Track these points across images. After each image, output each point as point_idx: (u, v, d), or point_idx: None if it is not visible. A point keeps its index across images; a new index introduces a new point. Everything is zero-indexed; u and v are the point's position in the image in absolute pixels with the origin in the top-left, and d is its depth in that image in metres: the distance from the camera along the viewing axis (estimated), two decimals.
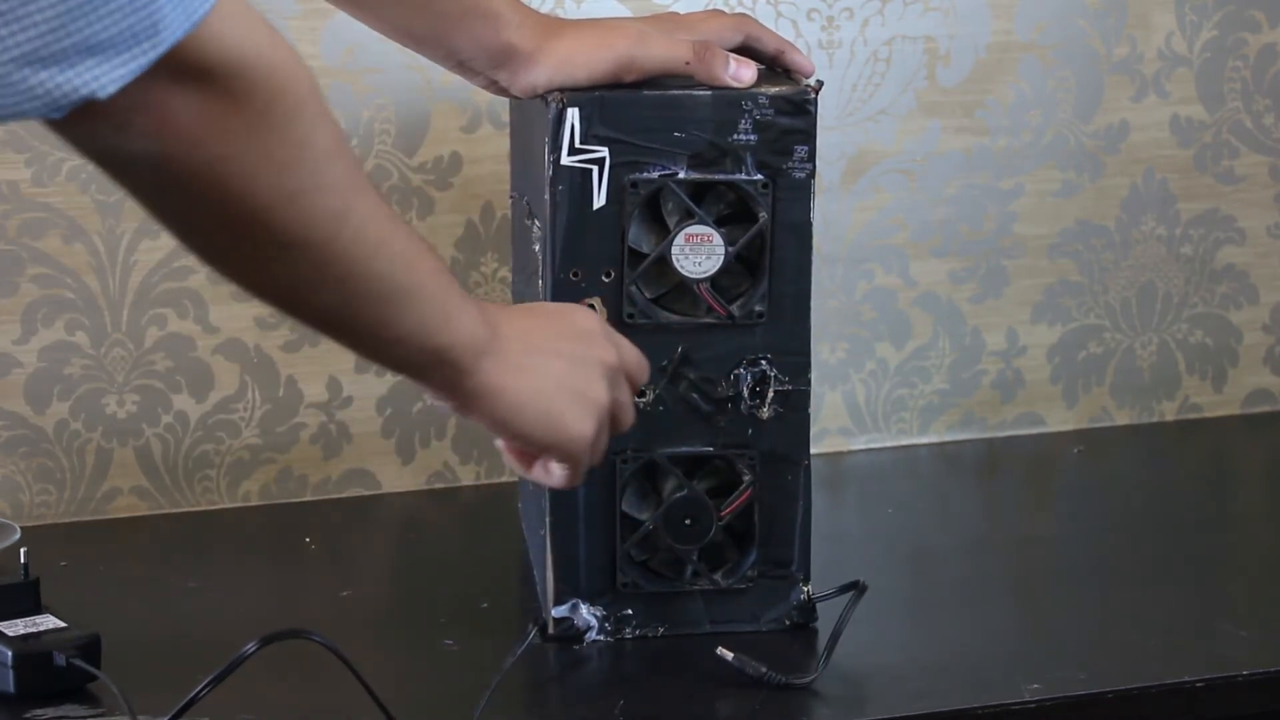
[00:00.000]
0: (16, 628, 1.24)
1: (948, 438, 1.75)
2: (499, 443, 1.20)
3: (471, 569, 1.46)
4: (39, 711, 1.22)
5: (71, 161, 1.51)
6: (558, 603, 1.32)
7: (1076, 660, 1.30)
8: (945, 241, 1.72)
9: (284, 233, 1.00)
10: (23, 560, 1.28)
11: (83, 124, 0.91)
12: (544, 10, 1.56)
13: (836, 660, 1.27)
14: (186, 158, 0.94)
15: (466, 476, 1.64)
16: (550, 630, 1.32)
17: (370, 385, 1.61)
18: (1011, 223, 1.74)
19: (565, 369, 1.16)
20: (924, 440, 1.75)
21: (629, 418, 1.21)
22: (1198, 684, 1.28)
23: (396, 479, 1.63)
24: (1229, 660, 1.30)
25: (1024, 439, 1.77)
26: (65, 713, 1.22)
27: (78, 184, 1.52)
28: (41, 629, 1.24)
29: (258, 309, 1.57)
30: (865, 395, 1.73)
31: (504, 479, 1.64)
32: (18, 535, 1.47)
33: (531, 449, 1.18)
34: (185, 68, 0.91)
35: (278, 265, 1.02)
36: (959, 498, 1.67)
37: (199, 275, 1.55)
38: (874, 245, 1.71)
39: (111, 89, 0.89)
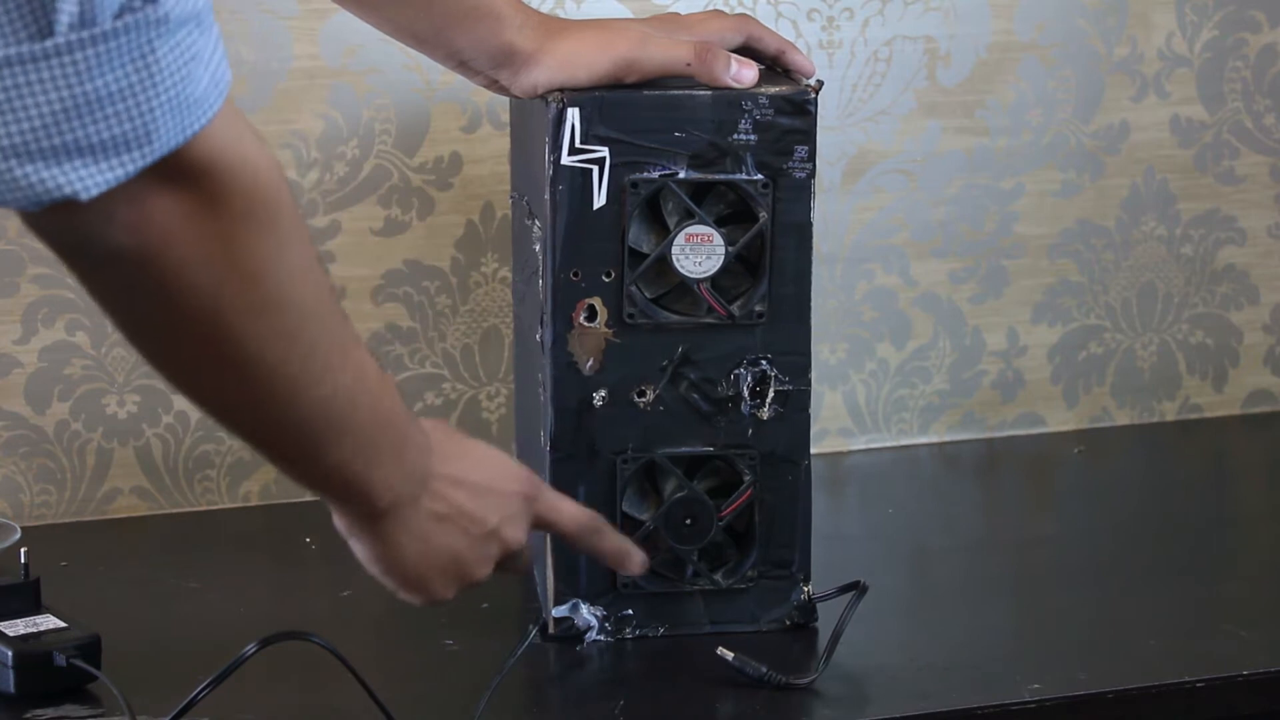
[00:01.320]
0: (17, 628, 1.24)
1: (948, 438, 1.75)
2: None
3: None
4: (39, 712, 1.22)
5: None
6: (558, 603, 1.32)
7: (1076, 660, 1.30)
8: (945, 241, 1.72)
9: (239, 347, 0.98)
10: (23, 560, 1.28)
11: (59, 218, 0.90)
12: (544, 10, 1.56)
13: (837, 660, 1.27)
14: (160, 257, 0.93)
15: None
16: (550, 630, 1.32)
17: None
18: (1012, 223, 1.74)
19: (462, 548, 1.16)
20: (924, 440, 1.75)
21: (520, 567, 1.21)
22: (1198, 684, 1.28)
23: None
24: (1229, 660, 1.30)
25: (1024, 439, 1.77)
26: (65, 713, 1.22)
27: None
28: (42, 629, 1.24)
29: None
30: (865, 395, 1.73)
31: None
32: (18, 535, 1.47)
33: (389, 587, 1.19)
34: (172, 169, 0.91)
35: (225, 379, 1.00)
36: (959, 498, 1.67)
37: None
38: (874, 245, 1.71)
39: (94, 191, 0.89)
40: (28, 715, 1.22)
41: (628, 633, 1.32)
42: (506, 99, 1.49)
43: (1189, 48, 1.75)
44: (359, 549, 1.16)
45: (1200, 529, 1.56)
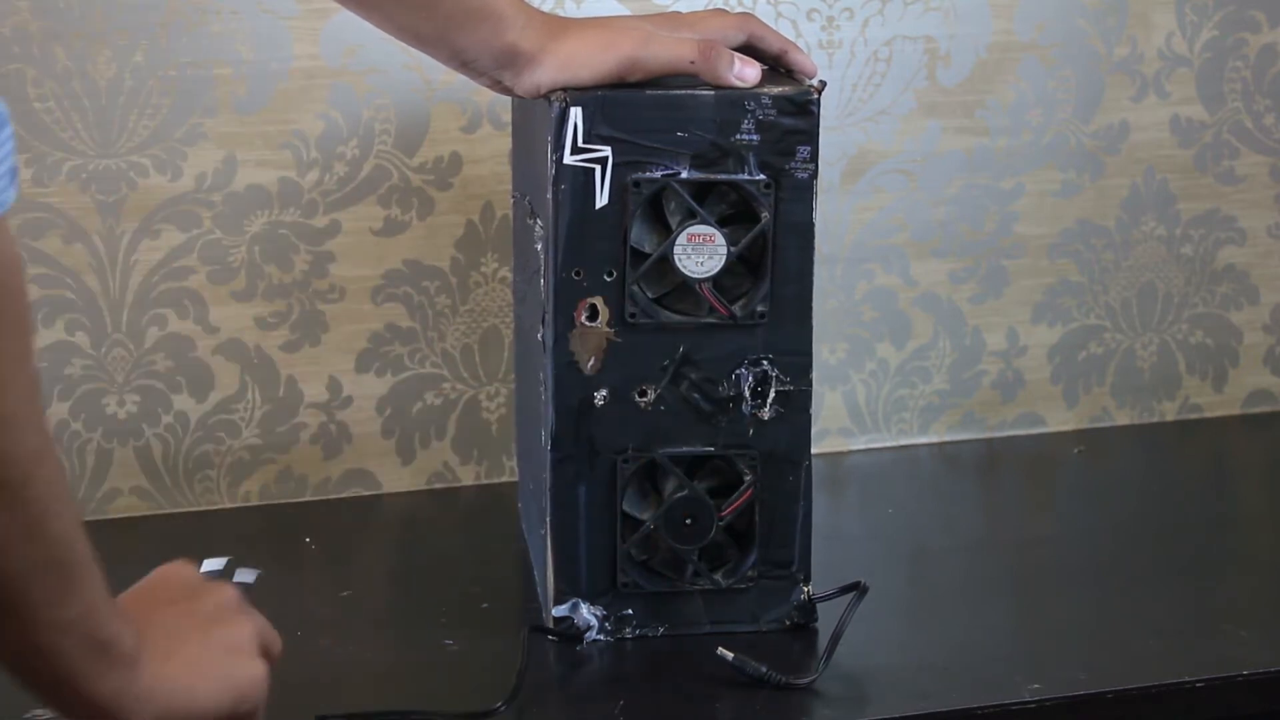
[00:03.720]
0: None
1: (948, 438, 1.75)
2: None
3: (471, 569, 1.46)
4: (39, 712, 1.22)
5: (72, 161, 1.51)
6: (558, 602, 1.32)
7: (1076, 660, 1.30)
8: (945, 241, 1.72)
9: None
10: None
11: None
12: (545, 10, 1.56)
13: (837, 660, 1.27)
14: None
15: (466, 476, 1.64)
16: (550, 630, 1.32)
17: (370, 385, 1.61)
18: (1012, 223, 1.74)
19: (203, 632, 1.08)
20: (924, 440, 1.75)
21: (276, 644, 1.12)
22: (1198, 684, 1.28)
23: (396, 479, 1.63)
24: (1229, 660, 1.30)
25: (1024, 439, 1.77)
26: None
27: (78, 184, 1.51)
28: None
29: (258, 309, 1.57)
30: (865, 395, 1.73)
31: (504, 479, 1.64)
32: None
33: None
34: None
35: None
36: (959, 498, 1.67)
37: (199, 275, 1.55)
38: (874, 245, 1.71)
39: None
40: (28, 715, 1.22)
41: (628, 632, 1.32)
42: (507, 99, 1.49)
43: (1189, 48, 1.75)
44: (157, 712, 1.02)
45: (1200, 529, 1.56)
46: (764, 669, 1.25)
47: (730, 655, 1.26)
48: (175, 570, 1.13)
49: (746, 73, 1.26)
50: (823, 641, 1.30)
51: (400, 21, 1.30)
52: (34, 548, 0.93)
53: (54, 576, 0.95)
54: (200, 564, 1.21)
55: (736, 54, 1.27)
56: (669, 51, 1.26)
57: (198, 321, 1.56)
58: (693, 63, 1.26)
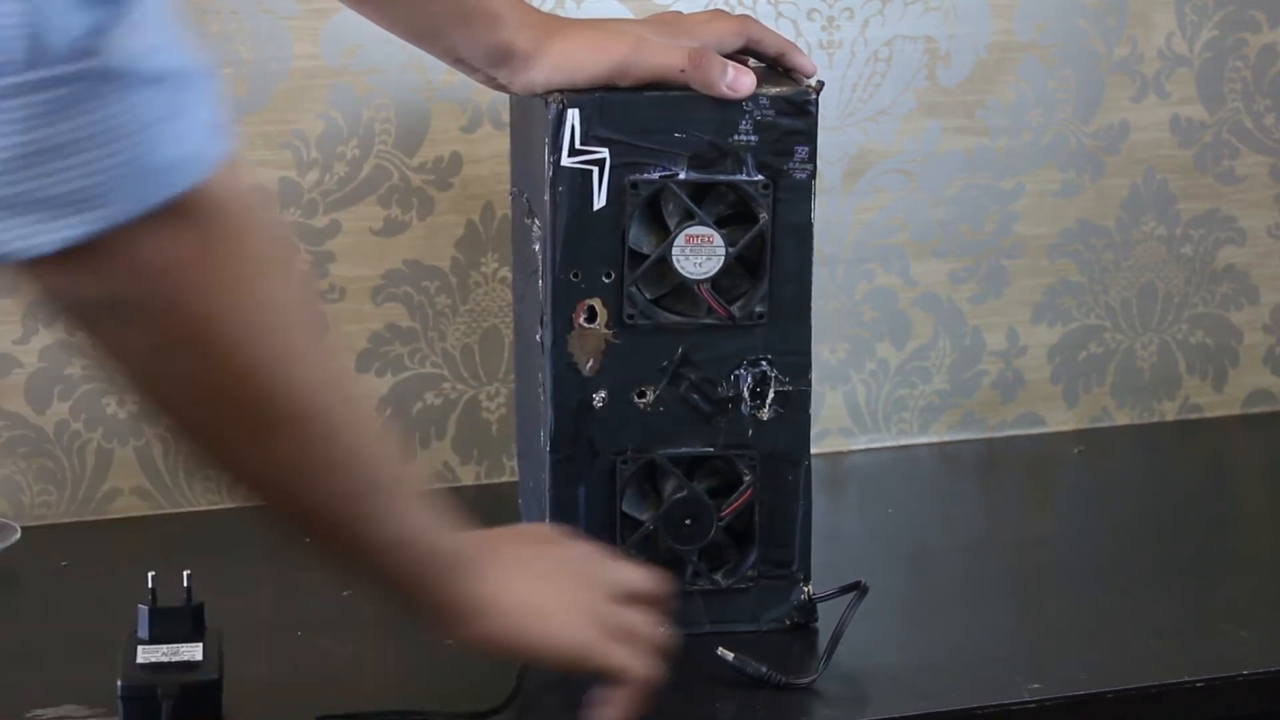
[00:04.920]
0: (156, 653, 1.20)
1: (948, 438, 1.75)
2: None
3: None
4: (39, 712, 1.22)
5: None
6: None
7: (1076, 660, 1.30)
8: (945, 241, 1.72)
9: (273, 401, 0.92)
10: (185, 584, 1.23)
11: (77, 274, 0.86)
12: (545, 10, 1.56)
13: (837, 660, 1.27)
14: (183, 305, 0.88)
15: (466, 476, 1.64)
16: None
17: (370, 385, 1.61)
18: (1012, 223, 1.74)
19: (547, 578, 1.11)
20: (924, 440, 1.75)
21: (647, 637, 1.15)
22: (1198, 684, 1.28)
23: None
24: (1229, 660, 1.30)
25: (1024, 439, 1.77)
26: (65, 713, 1.22)
27: None
28: (171, 660, 1.19)
29: None
30: (865, 395, 1.73)
31: (504, 479, 1.64)
32: (18, 535, 1.47)
33: (541, 663, 1.13)
34: (174, 218, 0.86)
35: (270, 443, 0.94)
36: (959, 498, 1.67)
37: None
38: (874, 245, 1.71)
39: (39, 251, 0.84)
40: (28, 715, 1.22)
41: None
42: (507, 98, 1.49)
43: (1189, 48, 1.75)
44: (487, 631, 1.07)
45: (1200, 529, 1.56)
46: (764, 669, 1.25)
47: (730, 655, 1.25)
48: (534, 526, 1.21)
49: (740, 82, 1.25)
50: (823, 641, 1.30)
51: (395, 16, 1.31)
52: (348, 475, 0.97)
53: (378, 497, 0.99)
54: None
55: (731, 63, 1.26)
56: (659, 59, 1.26)
57: None
58: (683, 71, 1.26)
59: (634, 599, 1.16)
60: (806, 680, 1.25)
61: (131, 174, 0.84)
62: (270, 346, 0.92)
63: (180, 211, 0.86)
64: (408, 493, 1.02)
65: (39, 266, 0.85)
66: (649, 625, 1.15)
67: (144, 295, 0.87)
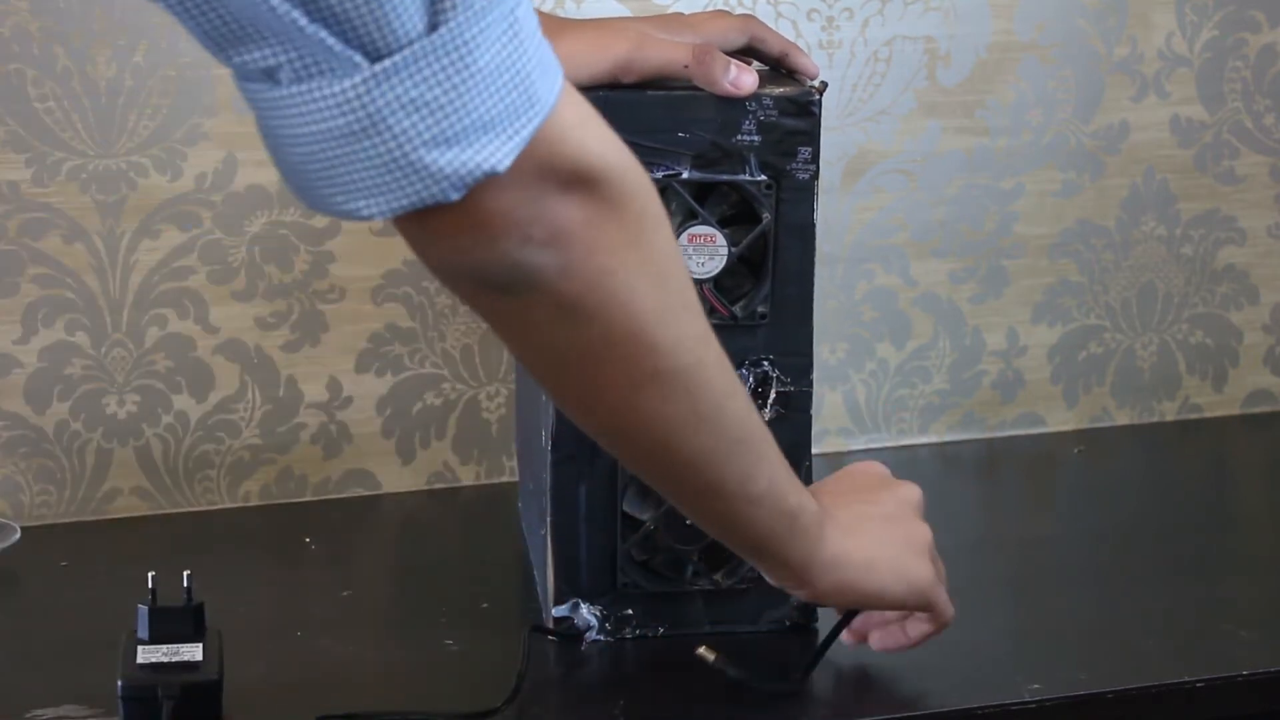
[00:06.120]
0: (155, 654, 1.20)
1: (948, 438, 1.75)
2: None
3: (471, 569, 1.46)
4: (39, 711, 1.22)
5: (71, 161, 1.51)
6: (558, 602, 1.32)
7: (1076, 660, 1.30)
8: (945, 241, 1.72)
9: (657, 355, 1.00)
10: (185, 584, 1.23)
11: (488, 242, 0.94)
12: (544, 10, 1.56)
13: (837, 660, 1.27)
14: (582, 269, 0.96)
15: (466, 476, 1.64)
16: (550, 630, 1.32)
17: (370, 385, 1.61)
18: (1012, 223, 1.74)
19: (884, 523, 1.20)
20: (924, 440, 1.75)
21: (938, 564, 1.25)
22: (1198, 684, 1.28)
23: (396, 479, 1.63)
24: (1229, 660, 1.30)
25: (1024, 439, 1.77)
26: (65, 713, 1.22)
27: (78, 184, 1.51)
28: (171, 660, 1.20)
29: (258, 309, 1.57)
30: (865, 395, 1.73)
31: (504, 479, 1.64)
32: (18, 535, 1.47)
33: (886, 608, 1.22)
34: (567, 174, 0.95)
35: (650, 397, 1.01)
36: (959, 498, 1.67)
37: (199, 275, 1.55)
38: (874, 245, 1.71)
39: (507, 162, 0.92)
40: (28, 715, 1.22)
41: (627, 633, 1.32)
42: None
43: (1189, 48, 1.75)
44: (828, 587, 1.17)
45: (1200, 529, 1.56)
46: (745, 673, 1.24)
47: (711, 656, 1.24)
48: (866, 466, 1.25)
49: (743, 80, 1.26)
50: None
51: None
52: (719, 427, 1.04)
53: (740, 453, 1.06)
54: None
55: (734, 61, 1.26)
56: (663, 54, 1.26)
57: (198, 321, 1.56)
58: (686, 66, 1.26)
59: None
60: (787, 688, 1.25)
61: (543, 70, 0.95)
62: (656, 302, 0.99)
63: (578, 177, 0.95)
64: (767, 450, 1.09)
65: (483, 232, 0.93)
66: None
67: (552, 262, 0.95)
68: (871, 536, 1.18)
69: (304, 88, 0.91)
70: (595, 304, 0.97)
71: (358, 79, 0.90)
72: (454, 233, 0.94)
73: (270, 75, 0.92)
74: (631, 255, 0.98)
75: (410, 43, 0.90)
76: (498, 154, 0.92)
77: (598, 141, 0.97)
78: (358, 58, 0.90)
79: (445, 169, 0.91)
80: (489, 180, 0.93)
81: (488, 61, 0.91)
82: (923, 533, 1.22)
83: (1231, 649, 1.32)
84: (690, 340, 1.02)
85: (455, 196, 0.92)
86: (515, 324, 1.00)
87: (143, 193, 1.53)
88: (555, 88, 0.95)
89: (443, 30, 0.90)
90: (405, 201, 0.92)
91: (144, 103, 1.52)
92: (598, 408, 1.03)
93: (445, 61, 0.90)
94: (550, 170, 0.94)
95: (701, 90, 1.26)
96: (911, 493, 1.24)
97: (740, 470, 1.07)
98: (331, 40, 0.89)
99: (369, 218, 0.93)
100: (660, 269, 0.99)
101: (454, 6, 0.90)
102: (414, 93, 0.90)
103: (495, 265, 0.95)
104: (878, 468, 1.26)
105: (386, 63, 0.90)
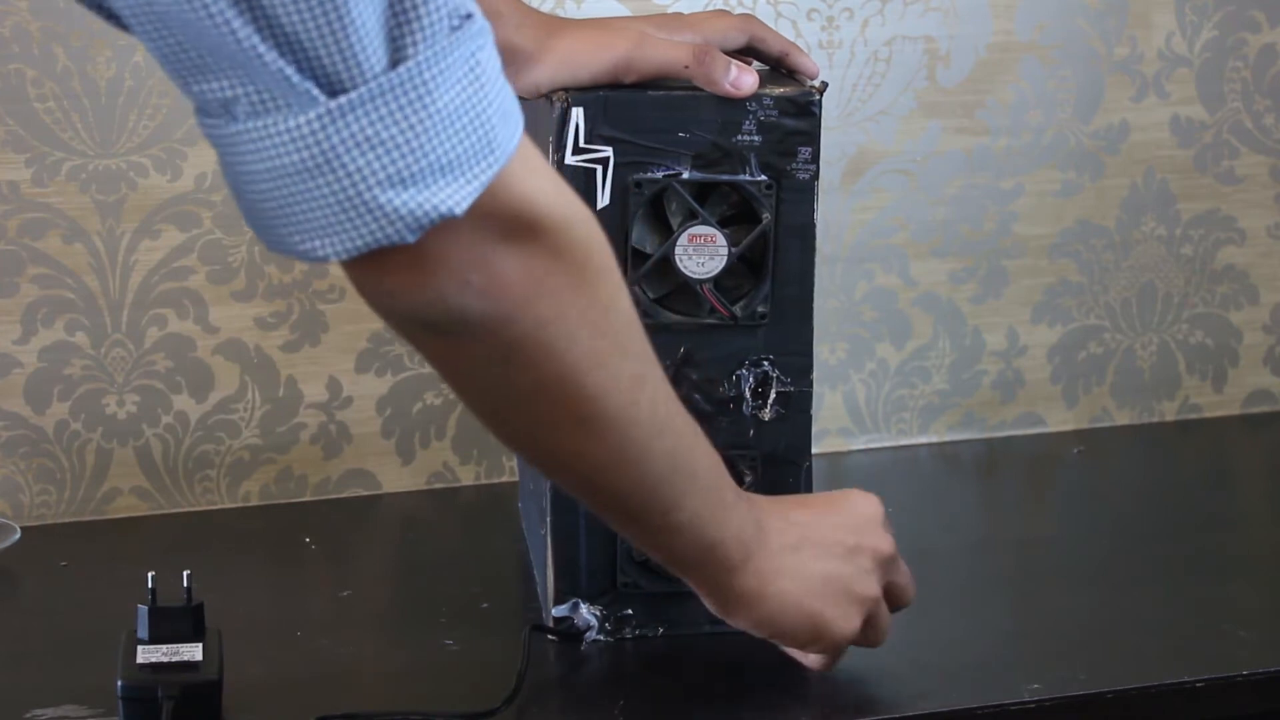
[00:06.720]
0: (155, 653, 1.20)
1: (948, 438, 1.75)
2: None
3: (471, 569, 1.46)
4: (39, 711, 1.22)
5: (71, 161, 1.51)
6: (558, 602, 1.32)
7: (1076, 660, 1.30)
8: (945, 241, 1.72)
9: (586, 402, 1.01)
10: (185, 584, 1.23)
11: (428, 286, 0.93)
12: (544, 10, 1.56)
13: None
14: (519, 317, 0.96)
15: (466, 476, 1.64)
16: (550, 630, 1.32)
17: (370, 385, 1.61)
18: (1012, 223, 1.74)
19: (831, 566, 1.17)
20: (924, 440, 1.75)
21: (909, 597, 1.23)
22: (1198, 684, 1.28)
23: (396, 479, 1.63)
24: (1229, 660, 1.30)
25: (1024, 439, 1.77)
26: (65, 713, 1.22)
27: (78, 184, 1.51)
28: (171, 660, 1.19)
29: (258, 309, 1.57)
30: (865, 395, 1.73)
31: (504, 479, 1.64)
32: (18, 535, 1.47)
33: (792, 647, 1.21)
34: (513, 222, 0.94)
35: (576, 439, 1.02)
36: (959, 498, 1.67)
37: (199, 275, 1.55)
38: (874, 245, 1.71)
39: (464, 205, 0.91)
40: (28, 715, 1.22)
41: (627, 633, 1.32)
42: None
43: (1189, 48, 1.75)
44: (742, 621, 1.17)
45: (1200, 529, 1.56)
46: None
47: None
48: (864, 503, 1.22)
49: (743, 80, 1.26)
50: None
51: None
52: (644, 467, 1.05)
53: (664, 488, 1.07)
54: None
55: (735, 61, 1.26)
56: (663, 54, 1.26)
57: (198, 321, 1.56)
58: (687, 66, 1.26)
59: (895, 560, 1.22)
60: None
61: (503, 116, 0.94)
62: (591, 350, 0.99)
63: (523, 226, 0.95)
64: (696, 482, 1.09)
65: (424, 278, 0.93)
66: (909, 585, 1.23)
67: (490, 310, 0.95)
68: (799, 580, 1.16)
69: (260, 123, 0.90)
70: (529, 351, 0.98)
71: (313, 114, 0.89)
72: (397, 272, 0.94)
73: (227, 108, 0.91)
74: (572, 306, 0.98)
75: (370, 79, 0.89)
76: (454, 197, 0.91)
77: (546, 192, 0.97)
78: (315, 91, 0.89)
79: (400, 209, 0.91)
80: (442, 224, 0.92)
81: (448, 102, 0.91)
82: (866, 586, 1.18)
83: (1231, 649, 1.32)
84: (625, 382, 1.02)
85: (411, 239, 0.91)
86: (450, 363, 1.00)
87: (142, 193, 1.53)
88: (515, 135, 0.95)
89: (402, 68, 0.89)
90: (360, 242, 0.92)
91: (144, 103, 1.52)
92: (528, 444, 1.05)
93: (404, 100, 0.89)
94: (495, 218, 0.94)
95: (702, 90, 1.26)
96: (884, 545, 1.20)
97: (663, 502, 1.08)
98: (290, 70, 0.88)
99: (325, 258, 0.92)
100: (600, 318, 0.99)
101: (415, 44, 0.89)
102: (370, 130, 0.89)
103: (433, 308, 0.95)
104: (872, 509, 1.22)
105: (343, 99, 0.89)
